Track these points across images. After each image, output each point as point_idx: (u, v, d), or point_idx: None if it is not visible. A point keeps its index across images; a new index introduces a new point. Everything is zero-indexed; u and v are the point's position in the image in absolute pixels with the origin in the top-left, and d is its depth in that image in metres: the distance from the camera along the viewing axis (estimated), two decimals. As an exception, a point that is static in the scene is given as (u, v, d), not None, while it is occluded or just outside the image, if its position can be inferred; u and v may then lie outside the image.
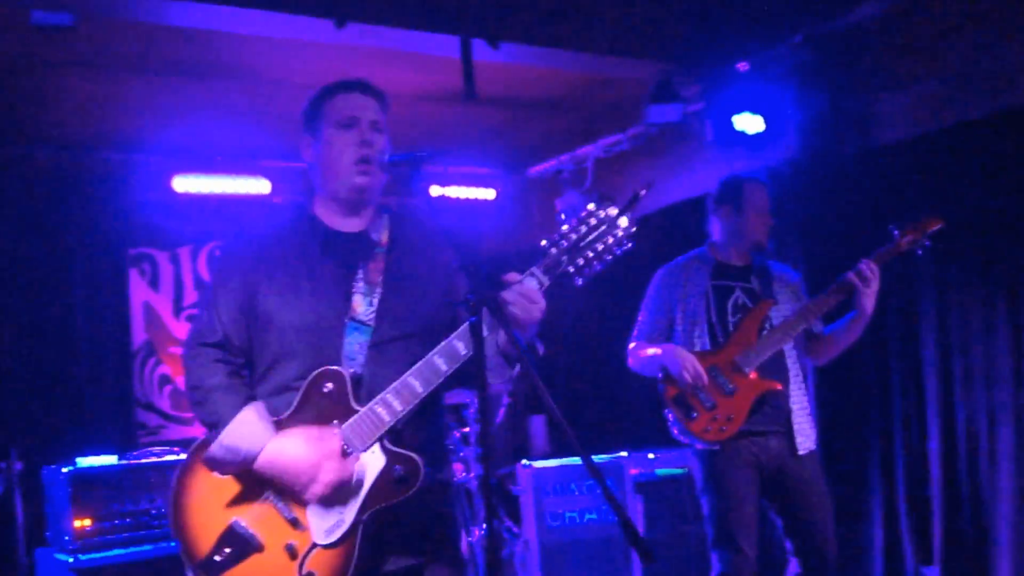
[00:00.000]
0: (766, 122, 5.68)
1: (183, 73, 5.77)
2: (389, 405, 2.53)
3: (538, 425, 7.44)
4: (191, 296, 7.43)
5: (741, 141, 5.75)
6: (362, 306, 2.63)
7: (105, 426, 6.53)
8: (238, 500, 2.54)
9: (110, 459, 4.73)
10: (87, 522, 4.44)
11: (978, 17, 5.08)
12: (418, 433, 2.64)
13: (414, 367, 2.55)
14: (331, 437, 2.49)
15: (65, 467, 4.53)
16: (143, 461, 4.78)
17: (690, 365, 4.12)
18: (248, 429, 2.49)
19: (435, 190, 7.14)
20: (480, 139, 7.41)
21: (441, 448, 2.83)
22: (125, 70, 5.67)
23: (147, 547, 4.49)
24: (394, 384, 2.54)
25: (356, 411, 2.54)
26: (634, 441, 6.09)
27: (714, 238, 4.49)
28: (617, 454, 5.78)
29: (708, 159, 6.28)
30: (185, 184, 6.69)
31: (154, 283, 7.29)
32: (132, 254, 7.18)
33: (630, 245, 2.58)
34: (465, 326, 2.44)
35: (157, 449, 5.09)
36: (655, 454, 5.89)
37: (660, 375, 4.26)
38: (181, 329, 7.35)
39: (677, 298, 4.36)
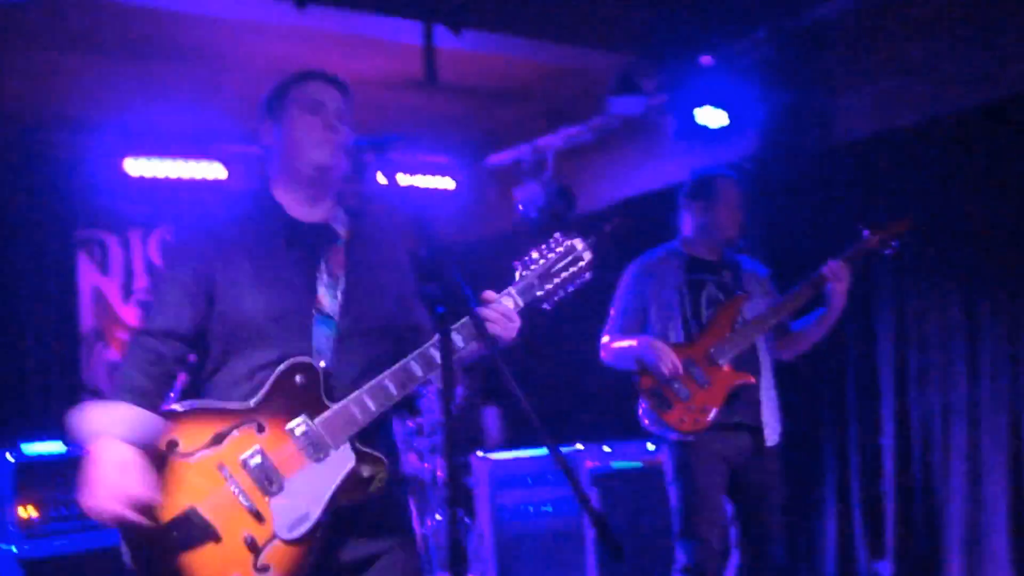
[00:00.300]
0: (729, 117, 5.67)
1: (139, 53, 5.65)
2: (364, 405, 2.51)
3: (492, 416, 7.40)
4: (141, 280, 7.30)
5: (703, 135, 5.74)
6: (327, 298, 2.59)
7: (50, 412, 6.38)
8: (197, 486, 2.43)
9: (56, 446, 4.60)
10: (32, 510, 4.32)
11: (941, 17, 5.11)
12: (379, 430, 2.61)
13: (389, 370, 2.53)
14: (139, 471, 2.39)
15: (9, 453, 4.40)
16: (90, 449, 4.64)
17: (666, 356, 4.13)
18: (109, 419, 2.41)
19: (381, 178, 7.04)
20: (439, 127, 7.34)
21: (394, 441, 2.80)
22: (79, 48, 5.54)
23: (94, 537, 4.37)
24: (369, 385, 2.52)
25: (327, 406, 2.50)
26: (590, 434, 6.07)
27: (685, 233, 4.49)
28: (573, 446, 5.76)
29: (670, 153, 6.26)
30: (137, 167, 6.55)
31: (103, 267, 7.15)
32: (81, 236, 7.02)
33: (588, 276, 2.75)
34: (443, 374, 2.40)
35: (105, 436, 4.96)
36: (611, 447, 5.87)
37: (635, 367, 4.27)
38: (130, 314, 7.21)
39: (651, 293, 4.36)
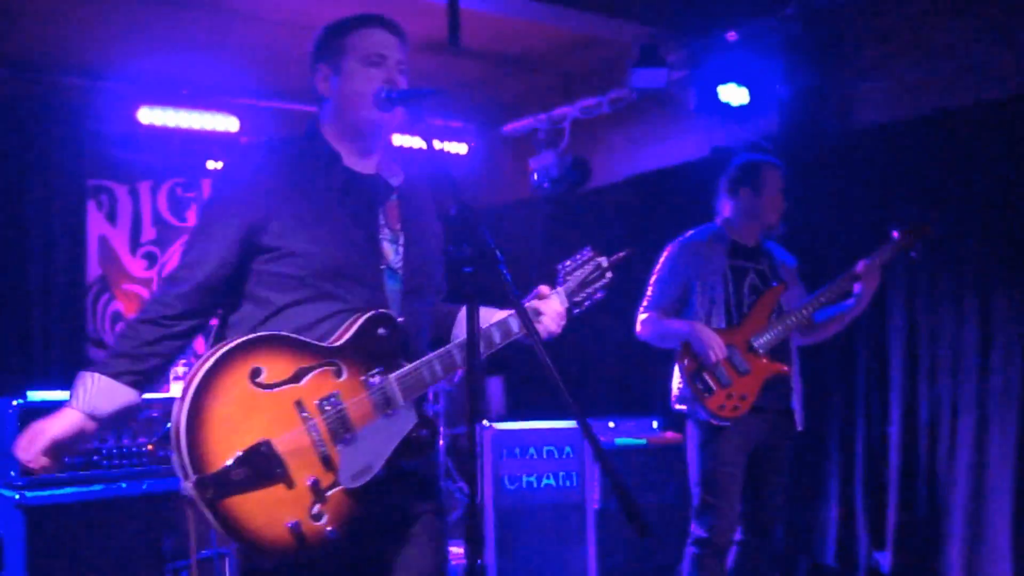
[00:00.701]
0: (751, 95, 5.62)
1: (156, 1, 5.58)
2: (433, 369, 2.55)
3: (496, 386, 7.39)
4: (149, 232, 7.25)
5: (724, 112, 5.70)
6: (391, 253, 2.60)
7: (55, 361, 6.37)
8: (273, 419, 2.34)
9: (62, 394, 4.50)
10: (34, 458, 4.28)
11: (962, 8, 5.06)
12: (424, 396, 2.65)
13: (459, 340, 2.57)
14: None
15: (15, 400, 4.35)
16: (95, 399, 4.61)
17: (716, 344, 4.21)
18: (93, 385, 2.43)
19: (406, 140, 6.99)
20: (456, 91, 7.27)
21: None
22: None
23: (97, 487, 4.31)
24: (439, 352, 2.57)
25: (402, 364, 2.52)
26: (595, 409, 6.05)
27: (727, 215, 4.51)
28: (585, 417, 5.72)
29: (688, 128, 6.21)
30: (150, 116, 6.50)
31: (111, 217, 7.10)
32: (90, 185, 6.97)
33: (604, 295, 2.97)
34: (520, 307, 2.41)
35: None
36: (615, 422, 5.85)
37: (679, 350, 4.33)
38: (137, 266, 7.17)
39: (695, 274, 4.39)
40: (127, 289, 7.09)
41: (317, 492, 2.36)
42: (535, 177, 7.09)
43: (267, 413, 2.34)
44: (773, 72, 5.61)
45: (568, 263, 2.91)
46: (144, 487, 4.46)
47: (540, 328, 2.72)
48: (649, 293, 4.50)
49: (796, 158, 5.70)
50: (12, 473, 4.25)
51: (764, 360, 4.29)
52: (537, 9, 5.30)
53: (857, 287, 4.29)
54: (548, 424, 5.62)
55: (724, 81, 5.59)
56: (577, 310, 2.89)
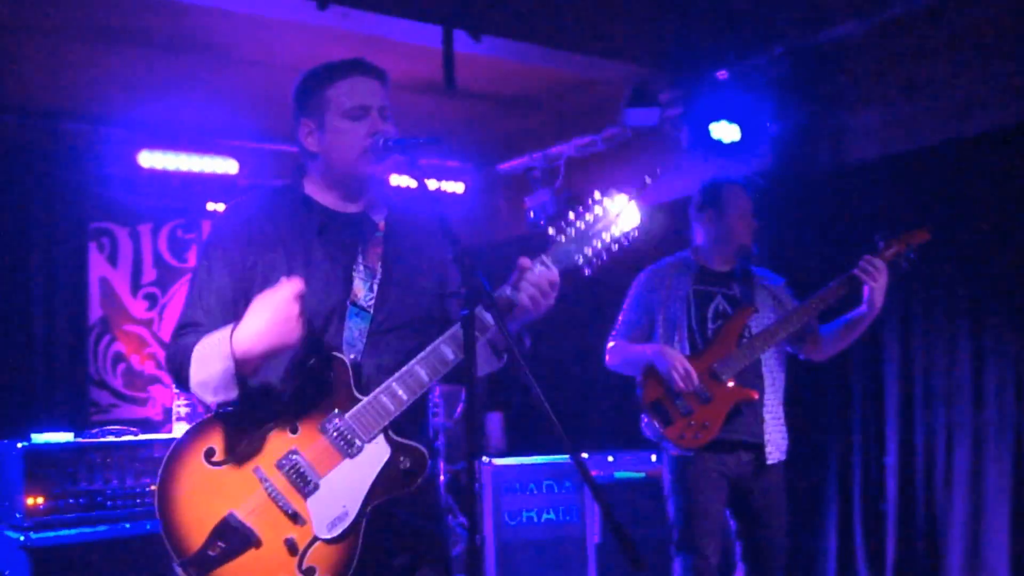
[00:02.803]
0: (742, 132, 5.70)
1: (156, 46, 5.67)
2: (395, 394, 2.46)
3: (495, 422, 7.42)
4: (150, 274, 7.32)
5: (717, 149, 5.76)
6: (363, 291, 2.56)
7: (57, 402, 6.41)
8: (233, 492, 2.42)
9: (66, 436, 4.61)
10: (40, 500, 4.32)
11: (951, 43, 5.14)
12: (415, 423, 2.59)
13: (420, 355, 2.48)
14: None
15: (19, 443, 4.41)
16: (100, 440, 4.67)
17: (680, 364, 4.11)
18: (212, 343, 2.43)
19: (404, 180, 7.07)
20: (452, 131, 7.36)
21: (430, 439, 2.78)
22: (97, 40, 5.56)
23: (101, 528, 4.38)
24: (399, 372, 2.47)
25: (358, 400, 2.47)
26: (594, 443, 6.08)
27: (697, 243, 4.47)
28: (578, 452, 5.76)
29: (682, 165, 6.27)
30: (151, 159, 6.58)
31: (112, 259, 7.16)
32: (92, 228, 7.05)
33: (635, 234, 2.56)
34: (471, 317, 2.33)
35: (114, 428, 4.99)
36: (614, 456, 5.88)
37: (640, 377, 4.25)
38: (138, 307, 7.23)
39: (658, 301, 4.34)
40: (128, 330, 7.14)
41: (294, 549, 2.40)
42: (531, 215, 7.17)
43: (228, 487, 2.42)
44: (764, 109, 5.69)
45: (569, 216, 2.56)
46: (148, 527, 4.50)
47: (519, 309, 2.49)
48: (618, 322, 4.46)
49: (789, 193, 5.81)
50: (17, 515, 4.29)
51: (730, 385, 4.15)
52: (531, 52, 5.38)
53: (866, 291, 4.08)
54: (547, 459, 5.66)
55: (716, 119, 5.65)
56: (588, 268, 2.55)
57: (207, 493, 2.42)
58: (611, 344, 4.43)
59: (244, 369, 2.40)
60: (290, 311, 2.34)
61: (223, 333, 2.41)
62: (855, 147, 5.65)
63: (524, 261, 2.52)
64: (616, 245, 2.55)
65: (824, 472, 5.68)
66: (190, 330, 2.53)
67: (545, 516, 5.54)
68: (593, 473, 5.60)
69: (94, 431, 4.89)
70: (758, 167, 5.89)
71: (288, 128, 2.74)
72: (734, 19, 5.60)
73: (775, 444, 4.27)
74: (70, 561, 4.25)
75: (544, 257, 2.54)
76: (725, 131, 5.68)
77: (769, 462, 4.23)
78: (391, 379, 2.47)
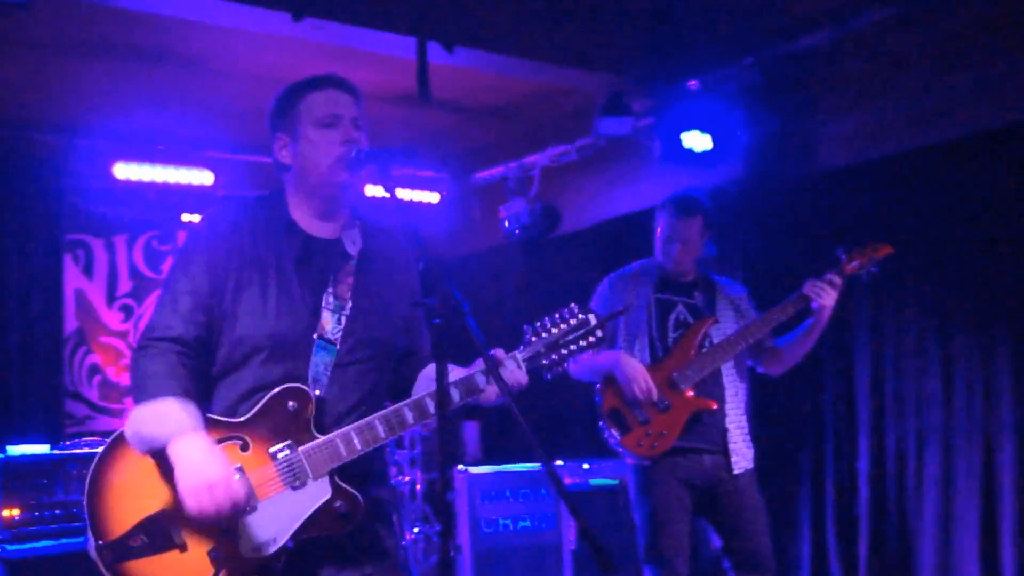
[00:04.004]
0: (714, 141, 5.75)
1: (131, 58, 5.69)
2: (350, 442, 2.50)
3: (472, 431, 7.45)
4: (125, 285, 7.31)
5: (688, 158, 5.81)
6: (331, 323, 2.58)
7: (32, 414, 6.41)
8: (170, 491, 2.41)
9: (41, 448, 4.62)
10: (16, 512, 4.32)
11: (919, 53, 5.22)
12: (371, 464, 2.61)
13: (381, 412, 2.53)
14: (227, 459, 2.42)
15: (-6, 454, 4.42)
16: (76, 452, 4.67)
17: (639, 375, 4.12)
18: (162, 415, 2.39)
19: (378, 191, 7.10)
20: (427, 142, 7.40)
21: (384, 465, 2.80)
22: (73, 52, 5.58)
23: (78, 539, 4.37)
24: (359, 423, 2.51)
25: (315, 437, 2.49)
26: (569, 450, 6.12)
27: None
28: (552, 463, 5.79)
29: (655, 174, 6.34)
30: (126, 171, 6.58)
31: (87, 270, 7.16)
32: (67, 240, 7.05)
33: (597, 349, 2.76)
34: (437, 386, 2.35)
35: (90, 439, 5.00)
36: (590, 464, 5.91)
37: (599, 386, 4.26)
38: (113, 318, 7.23)
39: (622, 307, 4.32)
40: (104, 342, 7.14)
41: (217, 561, 2.41)
42: (506, 224, 7.20)
43: (165, 485, 2.41)
44: (735, 119, 5.74)
45: (544, 321, 2.71)
46: (124, 538, 4.49)
47: (484, 396, 2.59)
48: None
49: (761, 201, 5.88)
50: (-7, 527, 4.30)
51: (688, 395, 4.15)
52: (504, 62, 5.43)
53: (814, 304, 4.14)
54: (523, 467, 5.69)
55: (688, 128, 5.71)
56: (549, 374, 2.70)
57: (143, 485, 2.42)
58: None
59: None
60: (222, 503, 2.36)
61: (178, 425, 2.39)
62: (826, 155, 5.72)
63: (499, 353, 2.60)
64: (578, 355, 2.72)
65: (798, 477, 5.73)
66: (164, 345, 2.51)
67: (521, 523, 5.57)
68: (568, 480, 5.71)
69: (69, 443, 4.89)
70: (730, 176, 5.96)
71: (263, 139, 2.76)
72: (705, 29, 5.66)
73: (740, 454, 4.27)
74: (47, 573, 4.26)
75: (517, 354, 2.65)
76: (697, 140, 5.73)
77: (736, 471, 4.24)
78: (350, 427, 2.51)
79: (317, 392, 2.53)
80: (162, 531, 2.40)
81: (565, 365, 2.71)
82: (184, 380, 2.48)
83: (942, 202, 5.17)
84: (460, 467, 5.73)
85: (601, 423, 4.26)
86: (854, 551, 5.49)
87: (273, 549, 2.43)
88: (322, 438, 2.49)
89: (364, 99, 2.69)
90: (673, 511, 4.17)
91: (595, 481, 5.82)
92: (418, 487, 6.38)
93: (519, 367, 2.63)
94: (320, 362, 2.55)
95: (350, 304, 2.61)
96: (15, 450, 4.48)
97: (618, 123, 5.77)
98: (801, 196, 5.77)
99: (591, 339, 2.70)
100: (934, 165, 5.20)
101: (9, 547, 4.20)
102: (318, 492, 2.48)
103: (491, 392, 2.60)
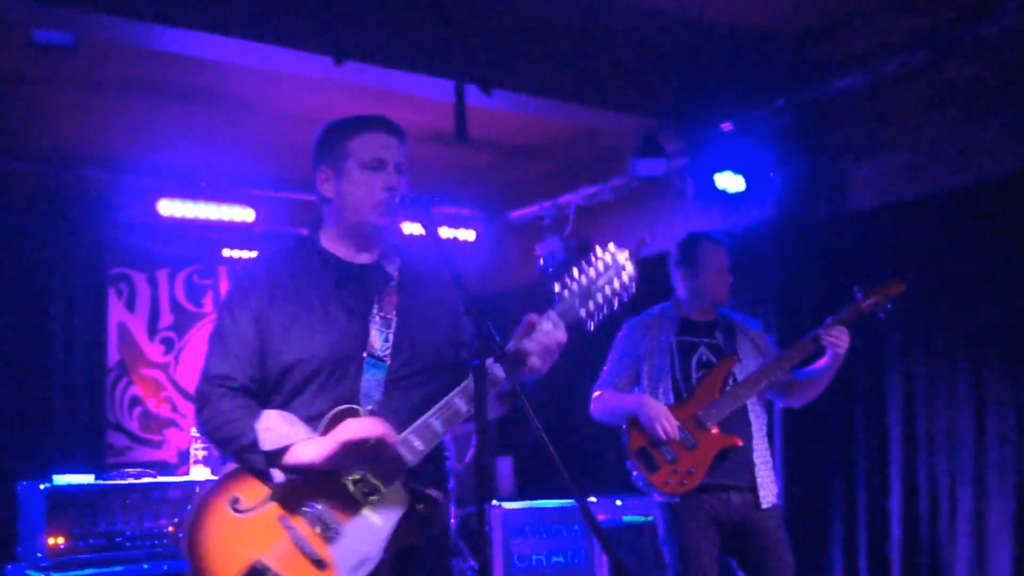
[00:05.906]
0: (746, 182, 5.80)
1: (177, 98, 5.84)
2: (411, 446, 2.54)
3: (505, 466, 7.49)
4: (167, 319, 7.45)
5: (721, 199, 5.86)
6: (379, 341, 2.63)
7: (75, 445, 6.52)
8: (260, 539, 2.49)
9: (87, 478, 4.73)
10: (60, 540, 4.42)
11: (948, 96, 5.26)
12: (430, 468, 2.66)
13: (434, 408, 2.55)
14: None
15: (42, 484, 4.52)
16: (120, 482, 4.78)
17: (662, 414, 4.19)
18: (275, 428, 2.52)
19: (417, 228, 7.22)
20: (464, 180, 7.51)
21: (445, 476, 2.86)
22: (119, 92, 5.73)
23: (118, 568, 4.48)
24: (415, 424, 2.55)
25: None
26: (602, 487, 6.14)
27: (678, 294, 4.56)
28: (585, 499, 5.82)
29: (688, 214, 6.40)
30: (170, 208, 6.72)
31: (130, 304, 7.31)
32: (111, 274, 7.20)
33: (633, 290, 2.56)
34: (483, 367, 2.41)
35: (134, 471, 5.09)
36: (622, 501, 5.94)
37: (624, 425, 4.32)
38: (154, 351, 7.36)
39: (643, 352, 4.42)
40: (144, 374, 7.27)
41: None
42: (541, 262, 7.28)
43: (254, 534, 2.50)
44: (767, 160, 5.80)
45: (573, 272, 2.57)
46: (165, 568, 4.60)
47: (528, 368, 2.52)
48: (603, 372, 4.52)
49: (793, 241, 5.93)
50: (39, 554, 4.39)
51: (714, 432, 4.20)
52: (541, 104, 5.52)
53: (829, 352, 4.20)
54: (557, 503, 5.73)
55: (720, 169, 5.76)
56: (591, 323, 2.56)
57: (234, 540, 2.49)
58: (596, 394, 4.49)
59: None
60: (364, 446, 2.46)
61: (289, 436, 2.52)
62: (856, 196, 5.77)
63: (532, 317, 2.56)
64: (617, 299, 2.56)
65: (829, 516, 5.72)
66: (225, 387, 2.61)
67: (554, 559, 5.60)
68: (601, 517, 5.74)
69: (113, 473, 4.99)
70: (761, 216, 6.01)
71: (304, 178, 2.83)
72: (738, 72, 5.74)
73: (767, 488, 4.31)
74: (90, 601, 4.35)
75: (551, 312, 2.56)
76: (729, 181, 5.79)
77: (764, 506, 4.28)
78: (408, 431, 2.54)
79: (370, 408, 2.59)
80: None
81: (606, 310, 2.55)
82: (253, 404, 2.60)
83: (973, 243, 5.20)
84: (494, 502, 5.78)
85: (629, 463, 4.30)
86: (886, 592, 5.48)
87: (370, 567, 2.49)
88: None
89: (409, 141, 2.77)
90: (701, 548, 4.20)
91: (627, 518, 5.85)
92: (452, 522, 6.42)
93: (554, 326, 2.53)
94: (372, 378, 2.61)
95: (396, 321, 2.67)
96: (61, 479, 4.59)
97: (653, 164, 5.84)
98: (832, 237, 5.81)
99: (624, 277, 2.54)
100: (964, 207, 5.23)
101: (53, 574, 4.30)
102: (396, 502, 2.54)
103: (531, 358, 2.52)
